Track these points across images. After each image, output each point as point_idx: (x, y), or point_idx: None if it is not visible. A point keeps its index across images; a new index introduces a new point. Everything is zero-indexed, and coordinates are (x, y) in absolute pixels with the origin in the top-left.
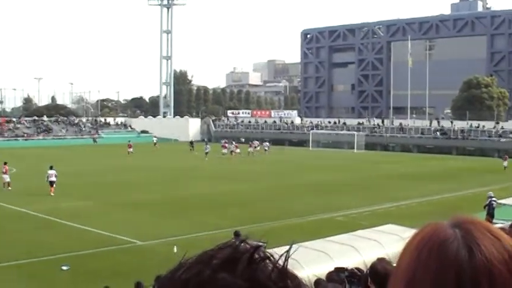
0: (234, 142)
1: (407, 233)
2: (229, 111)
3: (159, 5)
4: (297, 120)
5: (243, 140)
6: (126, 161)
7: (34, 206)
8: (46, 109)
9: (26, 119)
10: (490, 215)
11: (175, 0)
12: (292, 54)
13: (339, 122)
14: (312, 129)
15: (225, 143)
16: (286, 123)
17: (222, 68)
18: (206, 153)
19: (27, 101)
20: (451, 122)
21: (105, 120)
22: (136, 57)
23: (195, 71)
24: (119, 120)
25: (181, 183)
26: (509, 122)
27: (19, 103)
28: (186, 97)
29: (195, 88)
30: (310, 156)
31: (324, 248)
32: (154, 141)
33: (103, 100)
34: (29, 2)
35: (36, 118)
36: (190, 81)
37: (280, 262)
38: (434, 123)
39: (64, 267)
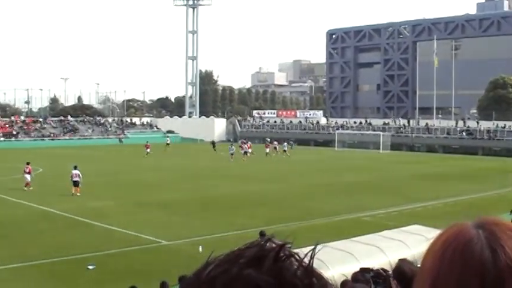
0: (249, 142)
1: (432, 234)
2: (254, 112)
3: (185, 5)
4: (323, 121)
5: (269, 140)
6: (152, 161)
7: (60, 206)
8: (72, 109)
9: (53, 119)
10: None
11: (200, 1)
12: (317, 54)
13: (366, 122)
14: (338, 129)
15: (242, 143)
16: (312, 124)
17: (248, 68)
18: (231, 154)
19: (54, 101)
20: (477, 122)
21: (131, 120)
22: (162, 58)
23: (221, 71)
24: (145, 120)
25: (206, 183)
26: None
27: (46, 103)
28: (212, 97)
29: (221, 88)
30: (336, 156)
31: (349, 248)
32: (168, 142)
33: (129, 100)
34: (56, 4)
35: (62, 118)
36: (216, 81)
37: (306, 261)
38: (460, 123)
39: (90, 267)
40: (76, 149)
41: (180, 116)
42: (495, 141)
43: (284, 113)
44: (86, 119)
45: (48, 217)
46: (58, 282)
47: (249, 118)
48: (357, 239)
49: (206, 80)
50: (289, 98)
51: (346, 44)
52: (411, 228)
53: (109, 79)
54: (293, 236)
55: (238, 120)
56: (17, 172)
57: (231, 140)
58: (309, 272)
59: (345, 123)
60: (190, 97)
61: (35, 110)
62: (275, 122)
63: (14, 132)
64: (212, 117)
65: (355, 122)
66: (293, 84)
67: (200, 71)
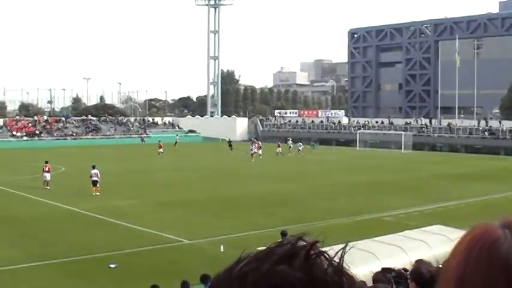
0: (259, 142)
1: (455, 234)
2: (276, 111)
3: (207, 5)
4: (344, 120)
5: (290, 139)
6: (172, 161)
7: (82, 205)
8: (94, 109)
9: (75, 118)
10: None
11: (222, 0)
12: (339, 53)
13: (389, 121)
14: (359, 129)
15: (252, 143)
16: (333, 123)
17: (269, 68)
18: (252, 154)
19: (76, 100)
20: (500, 122)
21: (152, 119)
22: (183, 57)
23: (242, 71)
24: (167, 119)
25: (227, 183)
26: None
27: (68, 103)
28: (234, 97)
29: (243, 88)
30: (357, 156)
31: (371, 248)
32: (176, 140)
33: (151, 100)
34: (79, 4)
35: (84, 118)
36: (238, 80)
37: (336, 259)
38: (483, 123)
39: (112, 265)
40: (98, 148)
41: (202, 116)
42: None
43: (306, 112)
44: (108, 119)
45: (70, 216)
46: (80, 280)
47: (270, 118)
48: (379, 238)
49: (228, 79)
50: (310, 97)
51: (368, 43)
52: (433, 228)
53: (131, 79)
54: (314, 235)
55: (260, 120)
56: (39, 171)
57: (252, 139)
58: (339, 270)
59: (366, 122)
60: (212, 96)
61: (57, 109)
62: (297, 121)
63: (37, 132)
64: (234, 116)
65: (376, 122)
66: (315, 84)
67: (222, 70)
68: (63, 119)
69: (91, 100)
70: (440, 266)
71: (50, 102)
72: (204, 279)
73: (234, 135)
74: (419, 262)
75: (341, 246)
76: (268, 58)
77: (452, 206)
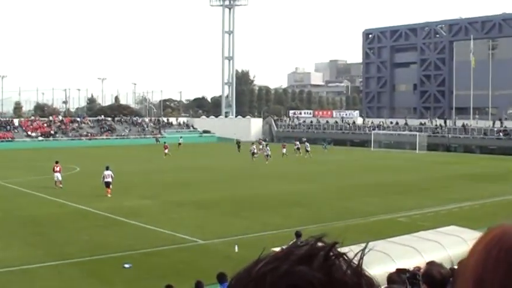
0: (264, 142)
1: (469, 235)
2: (291, 111)
3: (221, 5)
4: (359, 121)
5: (305, 139)
6: (186, 161)
7: (96, 204)
8: (109, 109)
9: (90, 118)
10: None
11: (237, 1)
12: (354, 54)
13: (405, 122)
14: (374, 129)
15: (259, 143)
16: (348, 124)
17: (284, 68)
18: (266, 155)
19: (91, 101)
20: None
21: (167, 120)
22: (198, 58)
23: (257, 71)
24: (181, 120)
25: (241, 183)
26: None
27: (83, 103)
28: (248, 97)
29: (257, 88)
30: (371, 156)
31: (385, 249)
32: (180, 142)
33: (165, 100)
34: (94, 5)
35: (99, 118)
36: (252, 81)
37: (355, 261)
38: (497, 123)
39: (126, 265)
40: (113, 148)
41: (217, 116)
42: None
43: (320, 113)
44: (122, 119)
45: (85, 216)
46: (95, 280)
47: (285, 118)
48: (393, 239)
49: (242, 80)
50: (325, 98)
51: (383, 43)
52: (448, 229)
53: (146, 79)
54: (329, 236)
55: (275, 120)
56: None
57: (267, 139)
58: (358, 271)
59: (381, 123)
60: (227, 97)
61: (72, 109)
62: (311, 122)
63: (52, 132)
64: (248, 117)
65: (391, 122)
66: (329, 84)
67: (236, 71)
68: (78, 119)
69: (106, 100)
70: (455, 267)
71: (65, 102)
72: (220, 277)
73: (249, 135)
74: (430, 264)
75: (358, 246)
76: (283, 58)
77: (467, 207)
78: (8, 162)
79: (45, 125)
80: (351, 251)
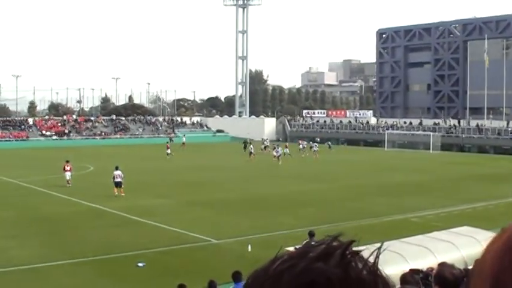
0: (266, 142)
1: (483, 235)
2: (304, 111)
3: (235, 5)
4: (372, 120)
5: (318, 139)
6: (198, 161)
7: (110, 204)
8: (123, 108)
9: (104, 118)
10: None
11: (250, 1)
12: (367, 53)
13: (420, 122)
14: (387, 129)
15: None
16: (362, 123)
17: (298, 68)
18: (278, 156)
19: (105, 100)
20: None
21: (181, 119)
22: (212, 57)
23: (271, 71)
24: (195, 119)
25: (254, 183)
26: None
27: (97, 102)
28: (262, 97)
29: (271, 88)
30: (385, 156)
31: (398, 249)
32: (183, 141)
33: (179, 100)
34: (108, 5)
35: (113, 117)
36: (266, 80)
37: (371, 259)
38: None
39: (140, 264)
40: (126, 147)
41: (230, 116)
42: None
43: (334, 112)
44: (136, 118)
45: (99, 215)
46: (108, 279)
47: (298, 118)
48: (406, 239)
49: (256, 79)
50: (339, 97)
51: (396, 43)
52: (461, 230)
53: (160, 79)
54: (359, 235)
55: (288, 120)
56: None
57: (280, 139)
58: (374, 270)
59: (394, 123)
60: (240, 97)
61: (86, 109)
62: (325, 121)
63: (66, 131)
64: (262, 116)
65: (405, 122)
66: (343, 84)
67: (250, 70)
68: (92, 118)
69: (120, 100)
70: (469, 267)
71: (79, 101)
72: (235, 276)
73: (262, 135)
74: (442, 265)
75: (372, 246)
76: (297, 58)
77: (481, 207)
78: (23, 161)
79: (59, 124)
80: (367, 249)
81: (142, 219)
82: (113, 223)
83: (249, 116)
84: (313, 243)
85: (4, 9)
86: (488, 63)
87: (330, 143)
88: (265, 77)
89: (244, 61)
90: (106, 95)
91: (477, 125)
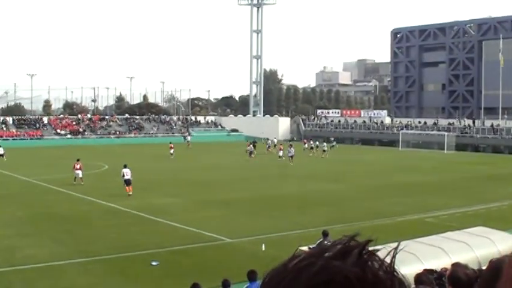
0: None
1: (497, 236)
2: (318, 111)
3: (249, 4)
4: (387, 120)
5: (333, 139)
6: (212, 160)
7: (124, 202)
8: (138, 107)
9: (118, 117)
10: None
11: (265, 0)
12: (382, 53)
13: (436, 121)
14: (402, 129)
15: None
16: (376, 123)
17: (312, 67)
18: (290, 157)
19: (120, 99)
20: None
21: (195, 118)
22: (226, 57)
23: (285, 70)
24: (209, 118)
25: (267, 182)
26: None
27: (112, 101)
28: (276, 96)
29: (285, 87)
30: (399, 156)
31: (412, 249)
32: (188, 140)
33: (194, 99)
34: (122, 4)
35: (128, 116)
36: (280, 80)
37: (387, 259)
38: None
39: (153, 263)
40: (141, 146)
41: (245, 115)
42: None
43: (348, 112)
44: (151, 117)
45: (113, 213)
46: (122, 278)
47: (313, 117)
48: (420, 239)
49: (271, 78)
50: (353, 97)
51: (411, 43)
52: (475, 230)
53: (174, 78)
54: (375, 235)
55: (303, 120)
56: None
57: (295, 138)
58: (391, 270)
59: (409, 123)
60: (255, 96)
61: (101, 108)
62: (339, 121)
63: (81, 130)
64: (276, 116)
65: (419, 122)
66: (357, 84)
67: (265, 69)
68: (107, 117)
69: (134, 99)
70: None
71: (93, 100)
72: (250, 275)
73: (277, 134)
74: (455, 265)
75: (386, 246)
76: (311, 58)
77: (495, 208)
78: (37, 159)
79: (74, 123)
80: (384, 248)
81: (156, 218)
82: (127, 222)
83: (264, 115)
84: (326, 242)
85: (20, 8)
86: (503, 63)
87: (334, 142)
88: (279, 77)
89: (259, 60)
90: (121, 94)
91: (492, 125)
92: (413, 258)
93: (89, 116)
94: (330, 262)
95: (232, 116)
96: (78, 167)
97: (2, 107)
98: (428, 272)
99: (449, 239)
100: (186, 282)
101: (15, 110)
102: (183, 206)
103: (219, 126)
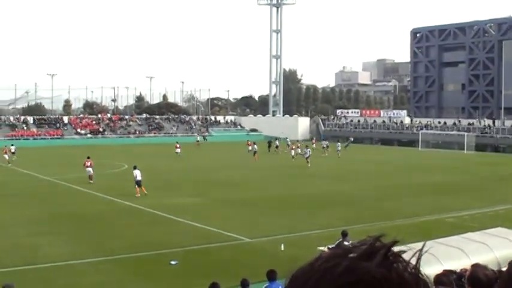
0: (274, 141)
1: None
2: (338, 111)
3: (269, 4)
4: (407, 120)
5: (352, 139)
6: (232, 159)
7: (143, 201)
8: (157, 107)
9: (138, 116)
10: None
11: (284, 0)
12: (401, 53)
13: (458, 121)
14: (421, 129)
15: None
16: (396, 123)
17: (332, 67)
18: (307, 158)
19: (139, 99)
20: None
21: (215, 118)
22: (246, 56)
23: (305, 70)
24: (229, 118)
25: (286, 182)
26: None
27: (131, 101)
28: (296, 96)
29: (305, 87)
30: (420, 156)
31: (432, 249)
32: (198, 139)
33: (213, 99)
34: (143, 4)
35: (147, 116)
36: (300, 80)
37: (413, 260)
38: None
39: (172, 262)
40: (160, 146)
41: (264, 115)
42: None
43: (368, 112)
44: (170, 117)
45: (132, 212)
46: (141, 277)
47: (332, 117)
48: (440, 240)
49: (290, 78)
50: (373, 97)
51: (431, 42)
52: (495, 231)
53: (194, 78)
54: (401, 235)
55: (322, 119)
56: (102, 168)
57: (314, 138)
58: (416, 271)
59: (429, 123)
60: (274, 96)
61: (121, 107)
62: (358, 121)
63: (101, 130)
64: (296, 116)
65: (439, 122)
66: (377, 84)
67: (284, 69)
68: (127, 117)
69: (154, 99)
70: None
71: (113, 100)
72: (270, 274)
73: (296, 134)
74: (475, 266)
75: (408, 246)
76: (331, 57)
77: None
78: (57, 159)
79: (94, 122)
80: (410, 249)
81: (174, 217)
82: (145, 221)
83: (283, 115)
84: (346, 243)
85: (40, 8)
86: None
87: (351, 139)
88: (299, 76)
89: (278, 60)
90: (140, 93)
91: None
92: (432, 259)
93: (108, 115)
94: (356, 263)
95: (252, 115)
96: (88, 164)
97: (23, 107)
98: (447, 272)
99: (469, 239)
100: (204, 281)
101: (35, 109)
102: (202, 205)
103: (239, 126)
